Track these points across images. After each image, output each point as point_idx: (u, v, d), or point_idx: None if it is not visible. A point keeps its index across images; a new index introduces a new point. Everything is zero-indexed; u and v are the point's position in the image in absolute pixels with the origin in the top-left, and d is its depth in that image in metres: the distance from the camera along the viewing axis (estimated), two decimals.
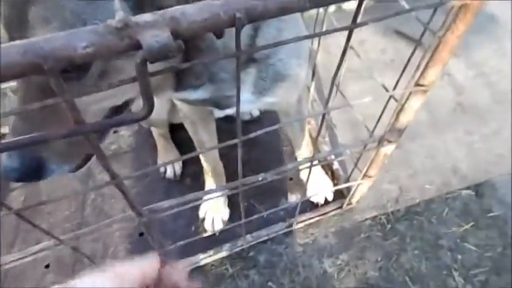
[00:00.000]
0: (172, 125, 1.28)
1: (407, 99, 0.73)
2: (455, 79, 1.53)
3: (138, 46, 0.27)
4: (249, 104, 0.74)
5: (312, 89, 1.13)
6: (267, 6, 0.31)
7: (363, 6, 0.42)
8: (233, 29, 0.32)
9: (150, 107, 0.31)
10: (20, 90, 0.44)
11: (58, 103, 0.30)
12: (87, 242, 1.15)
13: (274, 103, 0.77)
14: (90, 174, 1.29)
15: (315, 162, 0.69)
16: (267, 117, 1.40)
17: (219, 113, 1.19)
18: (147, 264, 0.35)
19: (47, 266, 1.08)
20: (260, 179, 0.68)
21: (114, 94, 0.46)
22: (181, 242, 0.89)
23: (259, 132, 0.52)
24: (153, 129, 1.29)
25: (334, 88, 0.92)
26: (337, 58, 0.47)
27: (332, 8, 1.63)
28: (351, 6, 1.73)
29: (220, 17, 0.30)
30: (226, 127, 1.35)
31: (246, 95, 0.70)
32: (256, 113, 1.40)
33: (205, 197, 1.02)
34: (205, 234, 1.08)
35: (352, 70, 1.53)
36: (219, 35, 0.33)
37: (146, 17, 0.27)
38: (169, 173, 1.25)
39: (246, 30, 0.59)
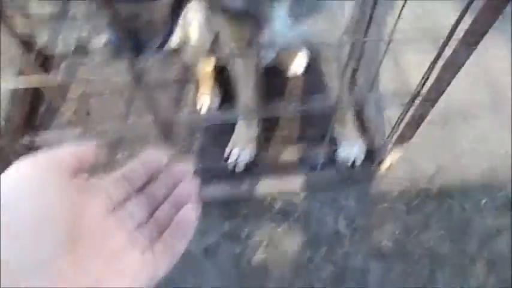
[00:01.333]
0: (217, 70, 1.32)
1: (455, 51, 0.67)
2: None
3: None
4: (285, 28, 0.72)
5: None
6: None
7: None
8: None
9: None
10: None
11: None
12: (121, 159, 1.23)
13: (311, 35, 0.75)
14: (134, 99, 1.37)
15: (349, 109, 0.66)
16: (312, 76, 1.35)
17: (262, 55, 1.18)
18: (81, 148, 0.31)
19: None
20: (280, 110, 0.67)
21: None
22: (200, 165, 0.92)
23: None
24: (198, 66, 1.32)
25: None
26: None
27: None
28: None
29: None
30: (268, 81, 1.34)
31: (282, 14, 0.69)
32: (300, 70, 1.36)
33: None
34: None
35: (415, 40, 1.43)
36: None
37: None
38: (204, 109, 1.28)
39: None
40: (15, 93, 1.35)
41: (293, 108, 0.70)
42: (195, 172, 0.37)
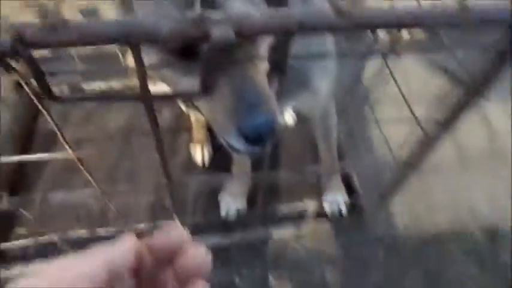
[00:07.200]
0: None
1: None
2: (491, 123, 1.53)
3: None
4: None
5: None
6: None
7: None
8: None
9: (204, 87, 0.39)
10: None
11: None
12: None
13: (295, 106, 0.86)
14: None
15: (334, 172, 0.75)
16: (301, 129, 1.45)
17: None
18: (116, 251, 0.30)
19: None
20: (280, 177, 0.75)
21: None
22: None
23: None
24: (192, 114, 1.38)
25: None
26: None
27: None
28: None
29: None
30: None
31: None
32: (291, 122, 1.46)
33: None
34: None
35: (391, 96, 1.57)
36: None
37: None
38: (198, 158, 1.35)
39: None
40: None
41: (284, 175, 0.78)
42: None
